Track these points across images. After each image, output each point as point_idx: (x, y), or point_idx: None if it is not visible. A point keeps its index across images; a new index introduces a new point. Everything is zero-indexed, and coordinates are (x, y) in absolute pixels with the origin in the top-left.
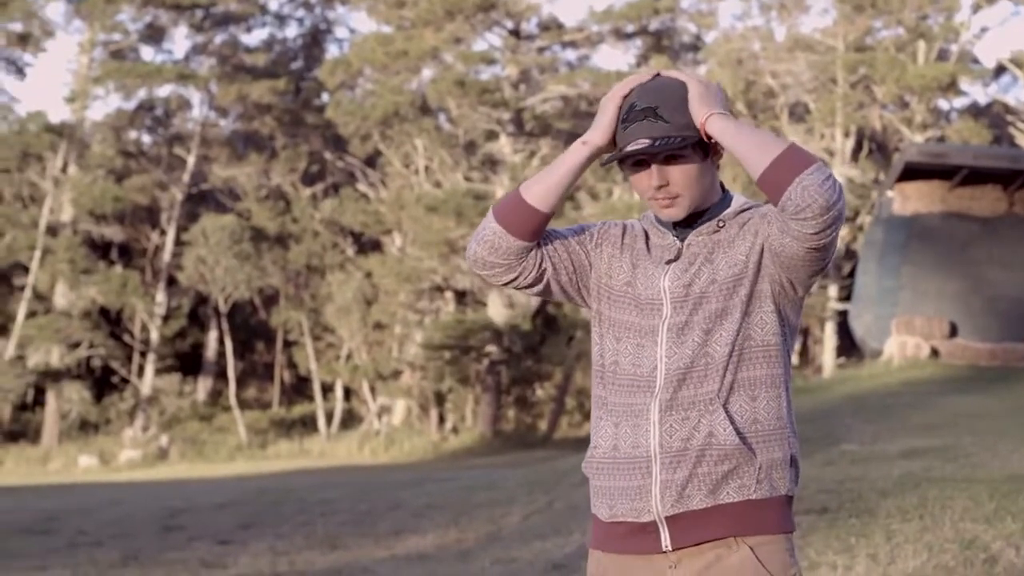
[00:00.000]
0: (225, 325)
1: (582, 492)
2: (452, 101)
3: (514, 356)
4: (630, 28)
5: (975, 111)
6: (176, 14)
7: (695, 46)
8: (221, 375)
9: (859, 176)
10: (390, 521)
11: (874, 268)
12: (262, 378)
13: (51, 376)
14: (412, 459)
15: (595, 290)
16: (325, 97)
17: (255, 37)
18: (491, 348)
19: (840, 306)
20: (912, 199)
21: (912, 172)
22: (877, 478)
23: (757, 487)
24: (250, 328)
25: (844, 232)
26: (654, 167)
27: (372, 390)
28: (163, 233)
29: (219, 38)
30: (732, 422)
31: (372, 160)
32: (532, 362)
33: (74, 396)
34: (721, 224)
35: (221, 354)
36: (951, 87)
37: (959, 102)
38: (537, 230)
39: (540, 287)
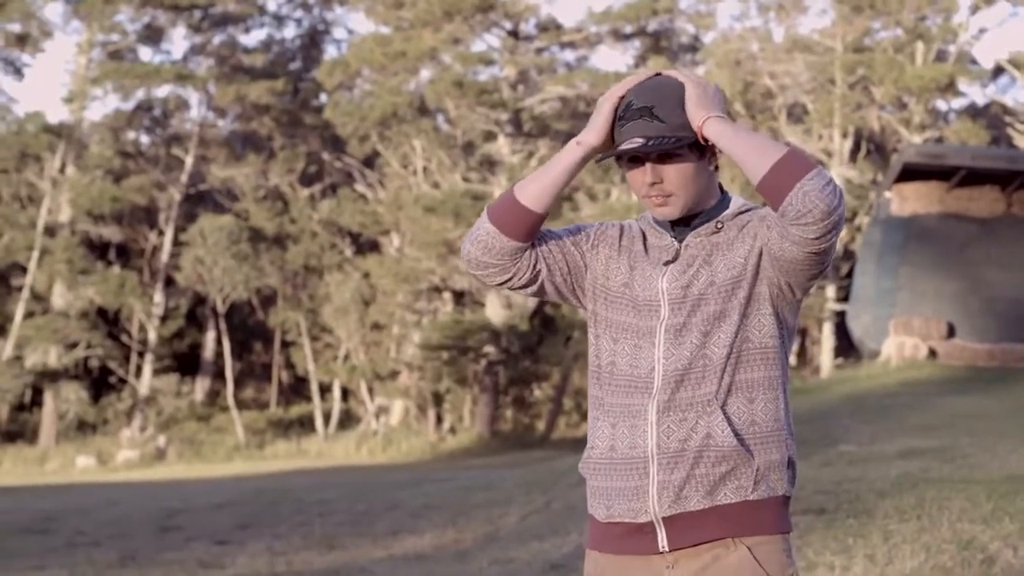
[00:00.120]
0: (223, 325)
1: (580, 492)
2: (450, 102)
3: (512, 356)
4: (628, 29)
5: (973, 112)
6: (174, 15)
7: (693, 47)
8: (219, 375)
9: (857, 177)
10: (388, 521)
11: (872, 269)
12: (260, 378)
13: (49, 376)
14: (410, 459)
15: (591, 291)
16: (323, 98)
17: (253, 38)
18: (489, 348)
19: (838, 307)
20: (910, 200)
21: (910, 173)
22: (875, 479)
23: (755, 488)
24: (248, 328)
25: (842, 233)
26: (648, 165)
27: (370, 390)
28: (161, 233)
29: (217, 39)
30: (730, 424)
31: (370, 161)
32: (530, 362)
33: (72, 396)
34: (719, 226)
35: (219, 354)
36: (949, 88)
37: (957, 103)
38: (531, 231)
39: (534, 288)
